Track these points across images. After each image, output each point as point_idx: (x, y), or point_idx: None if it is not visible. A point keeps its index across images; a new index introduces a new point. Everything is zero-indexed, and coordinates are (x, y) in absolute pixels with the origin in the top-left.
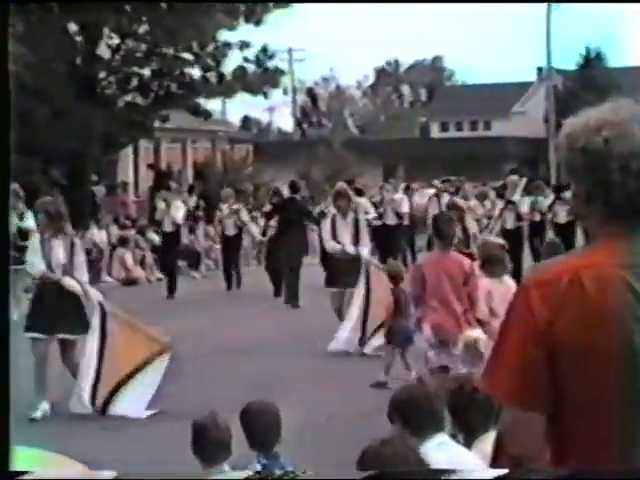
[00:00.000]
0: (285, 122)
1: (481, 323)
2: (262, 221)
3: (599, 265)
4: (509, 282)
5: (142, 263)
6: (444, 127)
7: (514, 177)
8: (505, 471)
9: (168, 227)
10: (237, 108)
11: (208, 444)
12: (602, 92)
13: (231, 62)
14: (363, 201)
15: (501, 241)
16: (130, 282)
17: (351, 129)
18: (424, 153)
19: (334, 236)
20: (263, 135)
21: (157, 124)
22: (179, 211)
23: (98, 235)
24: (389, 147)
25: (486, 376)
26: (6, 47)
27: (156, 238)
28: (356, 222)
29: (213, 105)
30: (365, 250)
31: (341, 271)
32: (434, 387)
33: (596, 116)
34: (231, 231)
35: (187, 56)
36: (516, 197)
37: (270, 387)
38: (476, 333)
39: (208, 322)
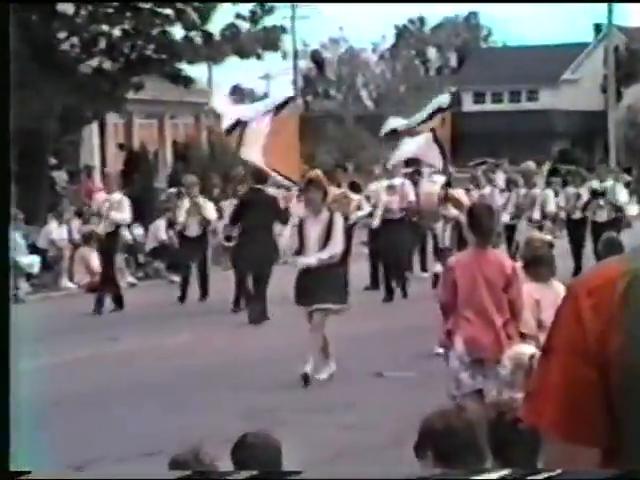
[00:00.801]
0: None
1: (525, 338)
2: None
3: None
4: (559, 288)
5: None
6: (479, 98)
7: (530, 163)
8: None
9: (194, 231)
10: (226, 75)
11: None
12: None
13: (220, 19)
14: (357, 199)
15: (548, 237)
16: (95, 288)
17: (365, 101)
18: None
19: (300, 243)
20: None
21: (129, 95)
22: (210, 210)
23: (58, 231)
24: None
25: (528, 403)
26: (7, 47)
27: (127, 234)
28: (329, 224)
29: (197, 72)
30: (324, 255)
31: (309, 284)
32: (476, 415)
33: None
34: (193, 231)
35: (167, 11)
36: (536, 191)
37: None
38: (528, 349)
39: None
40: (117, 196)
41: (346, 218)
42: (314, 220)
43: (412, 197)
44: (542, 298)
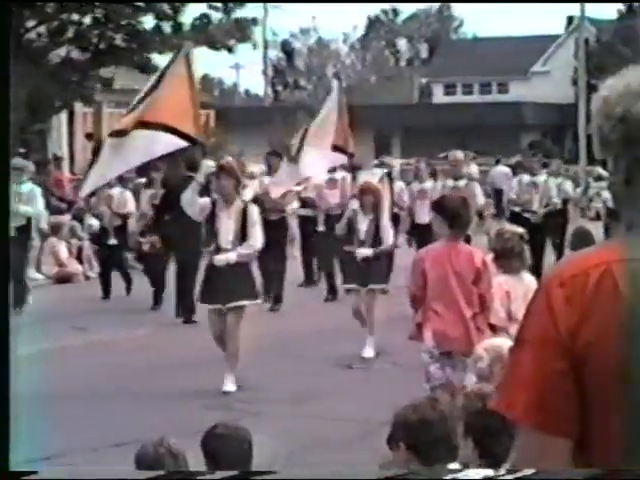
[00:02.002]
0: (254, 83)
1: (495, 329)
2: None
3: (637, 259)
4: (529, 280)
5: (79, 256)
6: (449, 90)
7: (457, 152)
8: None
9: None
10: (195, 65)
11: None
12: None
13: (191, 9)
14: (296, 190)
15: (520, 230)
16: (64, 279)
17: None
18: (424, 121)
19: (213, 234)
20: (227, 98)
21: (98, 85)
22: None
23: None
24: (381, 114)
25: (501, 393)
26: (6, 47)
27: (96, 224)
28: (244, 215)
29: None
30: (244, 250)
31: (218, 283)
32: (448, 407)
33: (639, 77)
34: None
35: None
36: (462, 182)
37: None
38: (505, 341)
39: None
40: (28, 186)
41: (282, 210)
42: (226, 211)
43: (350, 192)
44: (512, 290)
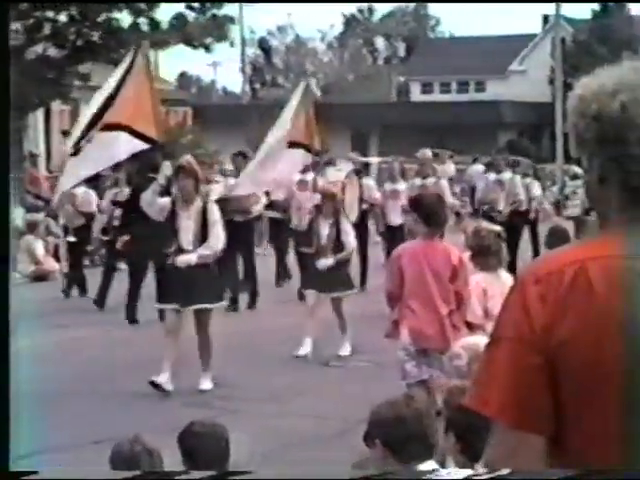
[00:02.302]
0: (232, 80)
1: (471, 327)
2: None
3: (612, 256)
4: (506, 277)
5: (55, 253)
6: (427, 88)
7: (426, 151)
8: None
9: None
10: (172, 62)
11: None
12: (619, 47)
13: (169, 6)
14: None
15: (497, 228)
16: (40, 277)
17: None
18: (402, 120)
19: (174, 235)
20: (205, 96)
21: (75, 82)
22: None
23: None
24: (359, 112)
25: (475, 390)
26: (6, 47)
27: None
28: (204, 214)
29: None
30: (205, 251)
31: (178, 283)
32: (424, 404)
33: (613, 76)
34: (75, 221)
35: None
36: (431, 180)
37: None
38: (483, 339)
39: None
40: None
41: (248, 212)
42: (186, 211)
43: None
44: (489, 288)
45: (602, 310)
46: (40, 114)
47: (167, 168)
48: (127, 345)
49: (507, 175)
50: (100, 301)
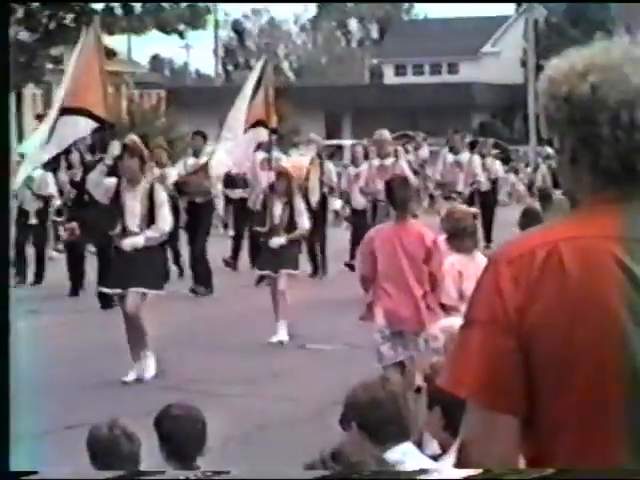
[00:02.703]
0: (205, 63)
1: (445, 309)
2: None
3: (584, 237)
4: (481, 259)
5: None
6: (400, 71)
7: (383, 131)
8: (479, 471)
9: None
10: (144, 45)
11: (115, 460)
12: (593, 29)
13: None
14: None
15: (472, 210)
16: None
17: (286, 73)
18: (376, 102)
19: (120, 217)
20: (178, 79)
21: (48, 65)
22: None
23: None
24: (333, 95)
25: (449, 370)
26: (6, 47)
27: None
28: (150, 195)
29: (116, 41)
30: (152, 233)
31: (121, 267)
32: (399, 387)
33: (584, 57)
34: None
35: None
36: (390, 160)
37: None
38: (455, 321)
39: None
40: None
41: (207, 192)
42: (132, 192)
43: (295, 172)
44: (464, 269)
45: (574, 291)
46: (12, 98)
47: (115, 147)
48: (102, 329)
49: (465, 156)
50: (73, 289)
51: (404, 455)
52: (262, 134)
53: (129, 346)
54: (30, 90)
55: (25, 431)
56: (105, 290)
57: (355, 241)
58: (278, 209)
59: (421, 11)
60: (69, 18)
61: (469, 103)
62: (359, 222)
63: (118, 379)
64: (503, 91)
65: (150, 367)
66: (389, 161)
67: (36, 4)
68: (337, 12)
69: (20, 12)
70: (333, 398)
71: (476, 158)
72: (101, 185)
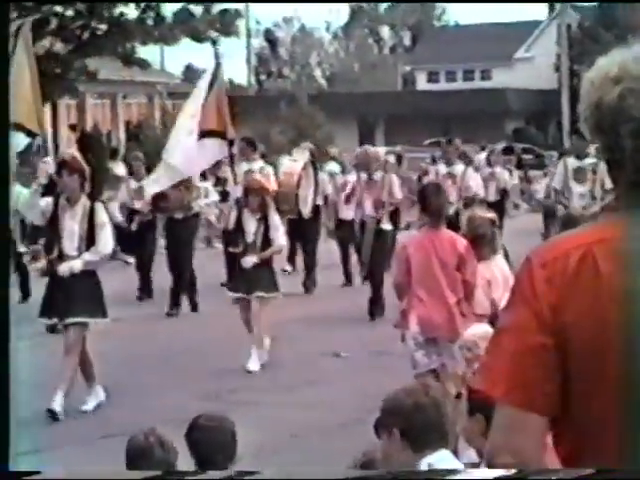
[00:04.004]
0: (238, 72)
1: (480, 318)
2: None
3: (616, 239)
4: (503, 264)
5: None
6: (432, 77)
7: (367, 147)
8: (511, 472)
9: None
10: (178, 55)
11: (149, 467)
12: (626, 32)
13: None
14: (204, 186)
15: (491, 214)
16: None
17: (319, 80)
18: (408, 109)
19: (56, 239)
20: None
21: (82, 77)
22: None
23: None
24: (365, 102)
25: (483, 372)
26: (6, 47)
27: None
28: (90, 215)
29: (150, 51)
30: (91, 257)
31: (59, 295)
32: (440, 393)
33: (619, 64)
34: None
35: None
36: (377, 176)
37: None
38: (489, 327)
39: None
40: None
41: (189, 208)
42: (70, 211)
43: (268, 184)
44: (492, 278)
45: (608, 292)
46: (47, 109)
47: (48, 165)
48: (133, 337)
49: (459, 167)
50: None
51: (441, 461)
52: (220, 146)
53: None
54: (64, 101)
55: (67, 439)
56: (43, 320)
57: (345, 258)
58: (252, 226)
59: (452, 17)
60: (102, 29)
61: (503, 109)
62: (344, 236)
63: (161, 385)
64: (537, 96)
65: (96, 398)
66: (378, 175)
67: (70, 15)
68: (369, 19)
69: (54, 23)
70: (367, 406)
71: (470, 170)
72: (36, 206)
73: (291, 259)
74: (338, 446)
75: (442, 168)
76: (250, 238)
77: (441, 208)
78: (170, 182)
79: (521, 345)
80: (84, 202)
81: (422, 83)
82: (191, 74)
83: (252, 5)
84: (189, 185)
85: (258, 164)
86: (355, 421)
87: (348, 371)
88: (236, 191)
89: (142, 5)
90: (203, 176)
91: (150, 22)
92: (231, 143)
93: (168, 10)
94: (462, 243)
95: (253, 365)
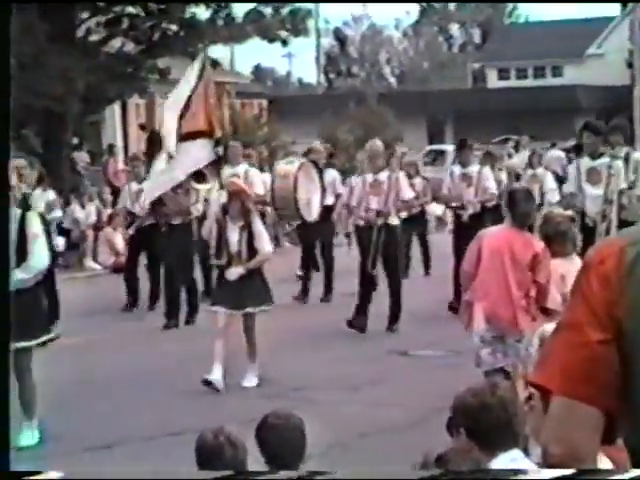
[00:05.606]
0: (307, 71)
1: (547, 313)
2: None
3: None
4: (579, 262)
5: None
6: (503, 74)
7: (375, 141)
8: (573, 471)
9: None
10: (247, 55)
11: (220, 466)
12: None
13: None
14: (205, 189)
15: (569, 213)
16: (120, 269)
17: (388, 79)
18: (478, 106)
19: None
20: (280, 88)
21: (152, 76)
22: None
23: (80, 212)
24: (435, 100)
25: (540, 367)
26: (7, 47)
27: None
28: (21, 226)
29: (219, 51)
30: (23, 274)
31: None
32: (508, 392)
33: None
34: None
35: None
36: (383, 176)
37: None
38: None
39: None
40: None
41: (187, 213)
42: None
43: (258, 189)
44: (566, 273)
45: None
46: (116, 108)
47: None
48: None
49: (475, 168)
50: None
51: (513, 461)
52: (207, 147)
53: None
54: (133, 100)
55: (128, 435)
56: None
57: (363, 266)
58: (234, 235)
59: (523, 14)
60: (173, 29)
61: (573, 106)
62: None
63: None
64: (608, 93)
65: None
66: (383, 175)
67: (140, 15)
68: (439, 17)
69: (125, 23)
70: (435, 405)
71: (487, 170)
72: None
73: (304, 265)
74: (407, 446)
75: (457, 169)
76: (234, 248)
77: (529, 214)
78: (164, 188)
79: (577, 340)
80: (15, 213)
81: (492, 80)
82: (260, 74)
83: (322, 4)
84: (188, 189)
85: (243, 167)
86: (423, 420)
87: (417, 370)
88: (220, 197)
89: (214, 5)
90: (203, 178)
91: (220, 22)
92: (217, 143)
93: (239, 10)
94: (539, 244)
95: (249, 381)
